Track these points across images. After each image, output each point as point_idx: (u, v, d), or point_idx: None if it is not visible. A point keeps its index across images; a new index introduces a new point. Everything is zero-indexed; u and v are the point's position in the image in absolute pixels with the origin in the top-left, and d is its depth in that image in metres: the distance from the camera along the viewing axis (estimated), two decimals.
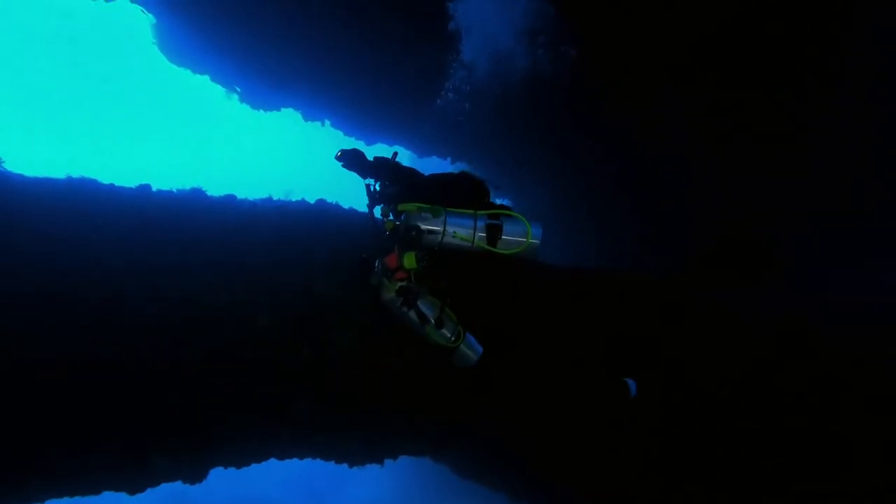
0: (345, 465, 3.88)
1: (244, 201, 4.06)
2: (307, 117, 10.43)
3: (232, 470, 3.59)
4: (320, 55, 8.04)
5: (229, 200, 3.98)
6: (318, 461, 3.89)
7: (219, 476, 3.92)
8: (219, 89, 10.10)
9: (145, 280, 3.13)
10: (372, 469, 4.31)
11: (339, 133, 10.65)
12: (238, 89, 9.88)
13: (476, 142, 9.11)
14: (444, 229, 2.58)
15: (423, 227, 2.57)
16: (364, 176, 2.75)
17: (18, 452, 2.53)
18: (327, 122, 10.53)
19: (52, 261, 3.02)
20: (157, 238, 3.37)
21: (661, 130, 6.94)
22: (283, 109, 10.29)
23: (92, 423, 2.72)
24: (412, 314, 2.58)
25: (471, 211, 2.65)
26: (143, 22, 8.95)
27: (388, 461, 4.06)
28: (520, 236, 2.61)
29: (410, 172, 2.80)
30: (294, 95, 9.67)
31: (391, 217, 2.69)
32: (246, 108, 10.36)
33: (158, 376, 2.96)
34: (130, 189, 3.71)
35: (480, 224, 2.60)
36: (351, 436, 3.61)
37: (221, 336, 3.18)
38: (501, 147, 9.31)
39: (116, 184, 3.76)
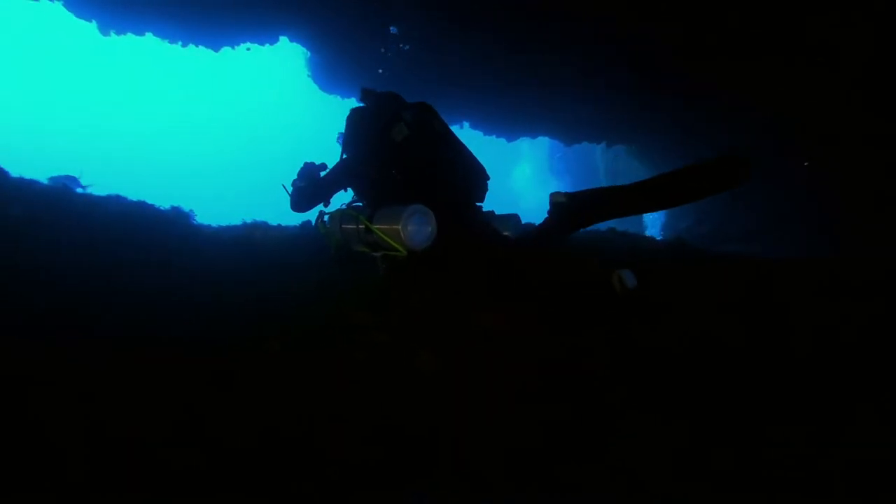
0: None
1: None
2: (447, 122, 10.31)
3: None
4: (459, 60, 7.70)
5: None
6: None
7: None
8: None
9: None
10: None
11: (479, 133, 10.28)
12: None
13: (638, 119, 7.77)
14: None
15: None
16: None
17: None
18: (466, 125, 10.27)
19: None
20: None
21: None
22: None
23: None
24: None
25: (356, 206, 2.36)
26: (300, 56, 9.84)
27: None
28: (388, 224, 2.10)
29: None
30: (434, 102, 9.62)
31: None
32: None
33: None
34: (294, 227, 3.76)
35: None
36: None
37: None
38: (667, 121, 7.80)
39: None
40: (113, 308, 2.08)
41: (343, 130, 2.62)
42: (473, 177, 2.51)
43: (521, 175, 30.21)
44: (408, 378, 1.65)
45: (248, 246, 3.49)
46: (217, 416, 1.43)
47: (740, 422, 1.41)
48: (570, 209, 2.20)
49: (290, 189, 2.58)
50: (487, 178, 2.58)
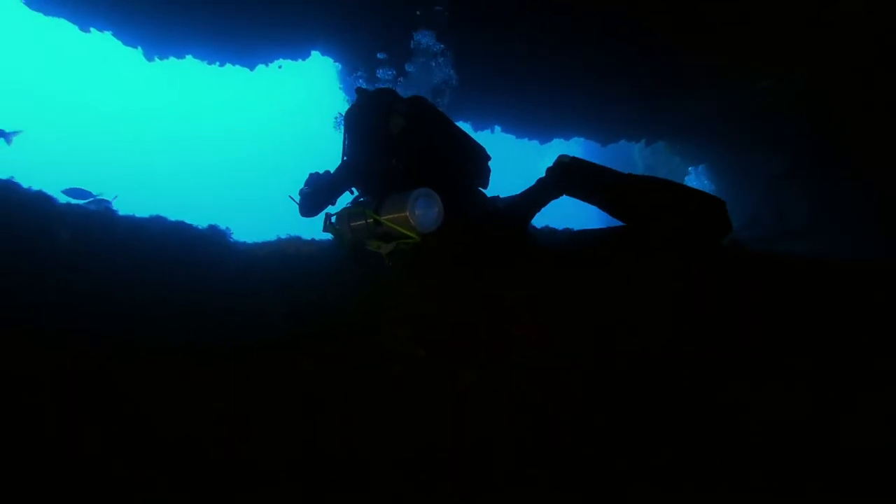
0: None
1: None
2: (477, 127, 10.21)
3: None
4: (491, 64, 7.60)
5: None
6: None
7: None
8: None
9: None
10: None
11: (511, 137, 10.11)
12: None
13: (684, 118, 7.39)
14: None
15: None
16: None
17: None
18: (497, 129, 10.12)
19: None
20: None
21: None
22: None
23: None
24: None
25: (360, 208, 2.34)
26: (332, 70, 10.05)
27: None
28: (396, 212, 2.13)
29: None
30: (463, 107, 9.55)
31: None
32: None
33: None
34: (329, 240, 3.75)
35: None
36: None
37: None
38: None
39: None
40: (152, 320, 2.12)
41: (341, 113, 2.64)
42: (475, 159, 2.52)
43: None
44: (447, 395, 1.57)
45: (283, 258, 3.52)
46: (244, 426, 1.40)
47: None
48: (569, 169, 2.31)
49: (297, 198, 2.62)
50: (488, 158, 2.58)
